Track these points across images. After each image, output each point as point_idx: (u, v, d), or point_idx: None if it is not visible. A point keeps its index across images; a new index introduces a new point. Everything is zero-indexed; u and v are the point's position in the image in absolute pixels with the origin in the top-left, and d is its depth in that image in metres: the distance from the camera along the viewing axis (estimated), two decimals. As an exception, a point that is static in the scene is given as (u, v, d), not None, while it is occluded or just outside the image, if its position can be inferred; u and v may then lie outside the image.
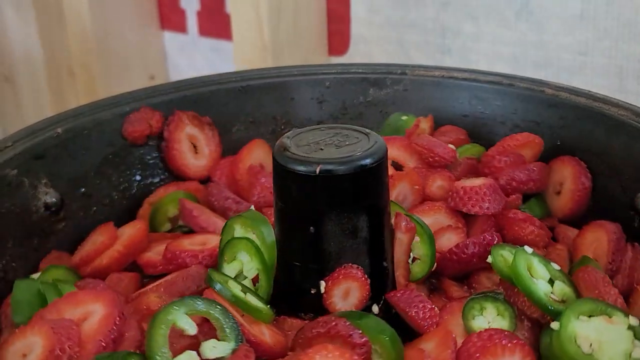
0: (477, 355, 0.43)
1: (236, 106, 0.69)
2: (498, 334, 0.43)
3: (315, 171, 0.47)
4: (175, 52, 1.19)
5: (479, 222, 0.56)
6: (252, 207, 0.56)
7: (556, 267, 0.49)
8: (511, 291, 0.48)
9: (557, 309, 0.46)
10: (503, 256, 0.49)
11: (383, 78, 0.70)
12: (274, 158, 0.49)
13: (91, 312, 0.45)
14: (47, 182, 0.60)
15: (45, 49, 1.18)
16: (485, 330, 0.44)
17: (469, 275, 0.53)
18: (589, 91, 0.63)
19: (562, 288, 0.48)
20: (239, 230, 0.52)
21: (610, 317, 0.45)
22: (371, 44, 0.97)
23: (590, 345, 0.44)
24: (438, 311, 0.47)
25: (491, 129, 0.66)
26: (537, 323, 0.47)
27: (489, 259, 0.49)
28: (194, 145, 0.67)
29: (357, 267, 0.48)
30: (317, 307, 0.48)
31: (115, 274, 0.55)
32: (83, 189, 0.62)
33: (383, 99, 0.70)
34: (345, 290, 0.48)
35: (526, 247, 0.49)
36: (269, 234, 0.51)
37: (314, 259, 0.49)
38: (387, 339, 0.44)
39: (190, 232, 0.61)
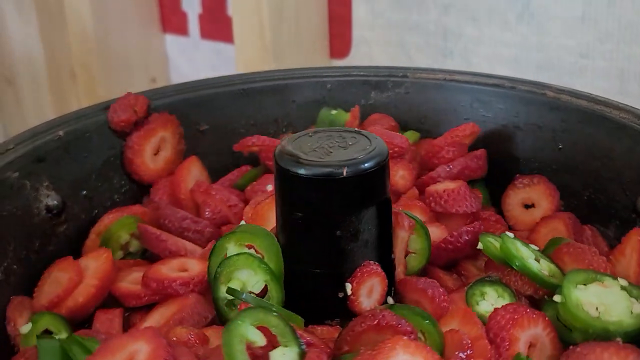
0: (509, 326, 0.45)
1: (238, 109, 0.69)
2: (522, 307, 0.46)
3: (343, 173, 0.47)
4: (176, 54, 1.19)
5: (455, 218, 0.58)
6: (243, 222, 0.55)
7: (535, 247, 0.53)
8: (503, 273, 0.51)
9: (552, 282, 0.49)
10: (491, 242, 0.52)
11: (384, 81, 0.70)
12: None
13: (137, 351, 0.42)
14: (48, 184, 0.60)
15: (46, 50, 1.18)
16: (509, 304, 0.47)
17: (456, 264, 0.56)
18: (591, 94, 0.63)
19: (548, 264, 0.51)
20: (232, 249, 0.50)
21: (602, 282, 0.49)
22: (373, 47, 0.97)
23: (597, 309, 0.47)
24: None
25: (493, 132, 0.66)
26: (531, 299, 0.51)
27: (479, 246, 0.52)
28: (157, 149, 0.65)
29: (374, 263, 0.49)
30: (342, 311, 0.48)
31: (102, 313, 0.52)
32: (84, 192, 0.62)
33: (384, 102, 0.70)
34: (370, 288, 0.49)
35: (508, 233, 0.53)
36: (273, 243, 0.50)
37: (339, 263, 0.49)
38: (429, 323, 0.46)
39: (149, 257, 0.59)
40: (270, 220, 0.53)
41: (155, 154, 0.65)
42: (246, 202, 0.62)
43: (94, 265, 0.54)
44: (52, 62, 1.19)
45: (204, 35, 1.14)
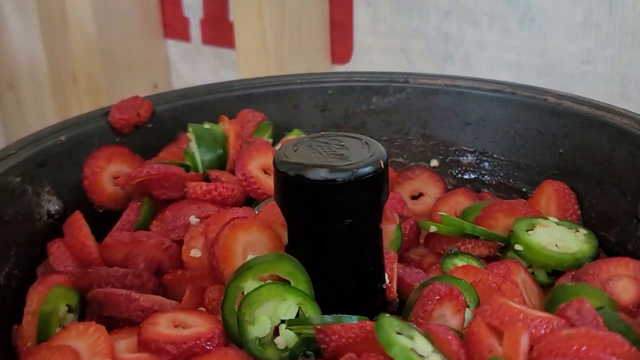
0: (510, 275, 0.52)
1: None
2: (505, 262, 0.54)
3: (317, 178, 0.47)
4: (178, 60, 1.19)
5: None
6: (250, 256, 0.50)
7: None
8: (459, 244, 0.58)
9: (505, 237, 0.57)
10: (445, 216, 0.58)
11: (386, 86, 0.70)
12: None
13: None
14: (50, 189, 0.60)
15: (48, 55, 1.19)
16: (494, 262, 0.54)
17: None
18: (592, 99, 0.63)
19: (479, 228, 0.58)
20: (250, 284, 0.47)
21: (542, 224, 0.56)
22: (374, 52, 0.97)
23: (556, 245, 0.55)
24: None
25: (493, 138, 0.66)
26: (488, 259, 0.57)
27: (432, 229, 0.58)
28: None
29: (386, 250, 0.52)
30: (384, 300, 0.51)
31: None
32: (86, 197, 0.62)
33: (386, 107, 0.70)
34: (393, 273, 0.51)
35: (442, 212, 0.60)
36: (296, 264, 0.48)
37: (379, 256, 0.51)
38: (464, 282, 0.50)
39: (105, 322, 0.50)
40: (239, 252, 0.51)
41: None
42: (179, 242, 0.57)
43: (89, 346, 0.46)
44: (54, 67, 1.19)
45: (205, 40, 1.14)
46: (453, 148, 0.69)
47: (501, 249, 0.58)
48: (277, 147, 0.64)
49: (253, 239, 0.52)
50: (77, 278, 0.53)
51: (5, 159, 0.57)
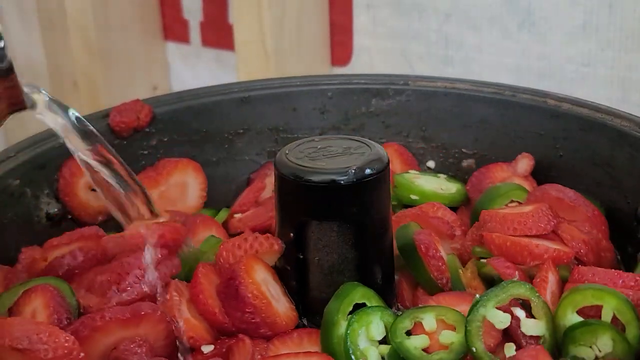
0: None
1: (238, 116, 0.69)
2: None
3: (315, 180, 0.47)
4: (178, 62, 1.19)
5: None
6: (272, 290, 0.51)
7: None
8: None
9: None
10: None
11: (385, 89, 0.70)
12: (275, 167, 0.49)
13: None
14: (49, 192, 0.60)
15: (48, 58, 1.19)
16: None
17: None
18: (592, 102, 0.62)
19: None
20: (343, 324, 0.48)
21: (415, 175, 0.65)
22: (374, 55, 0.97)
23: (441, 189, 0.64)
24: None
25: (494, 140, 0.66)
26: None
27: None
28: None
29: None
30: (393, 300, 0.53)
31: None
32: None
33: (385, 110, 0.70)
34: None
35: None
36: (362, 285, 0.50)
37: (386, 257, 0.53)
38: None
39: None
40: (267, 291, 0.50)
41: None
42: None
43: None
44: (54, 69, 1.19)
45: (205, 43, 1.14)
46: (453, 150, 0.68)
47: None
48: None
49: (263, 275, 0.51)
50: None
51: (4, 162, 0.57)
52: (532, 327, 0.46)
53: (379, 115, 0.70)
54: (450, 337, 0.46)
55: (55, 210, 0.59)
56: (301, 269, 0.51)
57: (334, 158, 0.49)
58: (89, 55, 1.11)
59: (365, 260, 0.50)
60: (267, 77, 0.77)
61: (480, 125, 0.67)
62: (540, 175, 0.64)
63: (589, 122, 0.61)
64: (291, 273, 0.51)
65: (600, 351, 0.44)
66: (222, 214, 0.65)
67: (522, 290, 0.46)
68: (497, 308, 0.46)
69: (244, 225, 0.61)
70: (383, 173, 0.49)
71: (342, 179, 0.47)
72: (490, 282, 0.52)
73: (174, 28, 1.17)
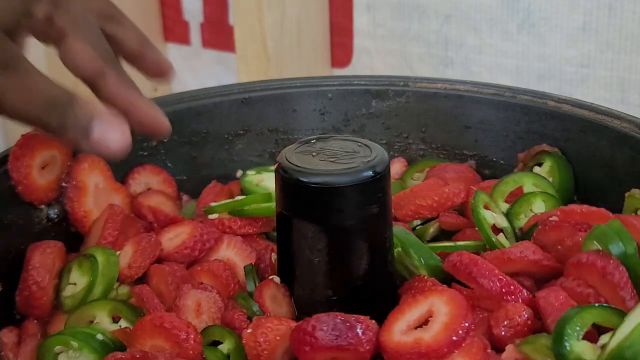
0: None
1: (239, 118, 0.69)
2: None
3: (314, 182, 0.47)
4: (178, 63, 1.19)
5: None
6: None
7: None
8: None
9: None
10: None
11: (385, 90, 0.70)
12: (276, 168, 0.49)
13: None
14: (49, 193, 0.59)
15: (48, 60, 1.19)
16: None
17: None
18: (592, 103, 0.63)
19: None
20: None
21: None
22: (374, 56, 0.97)
23: None
24: None
25: (493, 142, 0.66)
26: None
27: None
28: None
29: None
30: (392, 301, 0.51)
31: None
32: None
33: (385, 111, 0.70)
34: None
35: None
36: None
37: (387, 258, 0.52)
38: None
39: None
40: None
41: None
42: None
43: None
44: (54, 71, 1.19)
45: (205, 44, 1.14)
46: (453, 152, 0.68)
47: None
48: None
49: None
50: None
51: (4, 163, 0.57)
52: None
53: (379, 117, 0.70)
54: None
55: (56, 211, 0.59)
56: (308, 270, 0.51)
57: (335, 159, 0.49)
58: (89, 56, 1.11)
59: (361, 260, 0.50)
60: (267, 78, 0.77)
61: (480, 126, 0.67)
62: (540, 176, 0.64)
63: (589, 124, 0.61)
64: (298, 274, 0.51)
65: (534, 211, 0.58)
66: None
67: None
68: None
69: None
70: (384, 174, 0.49)
71: (343, 180, 0.47)
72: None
73: (174, 29, 1.17)
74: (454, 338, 0.43)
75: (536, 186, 0.61)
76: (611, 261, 0.46)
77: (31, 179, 0.56)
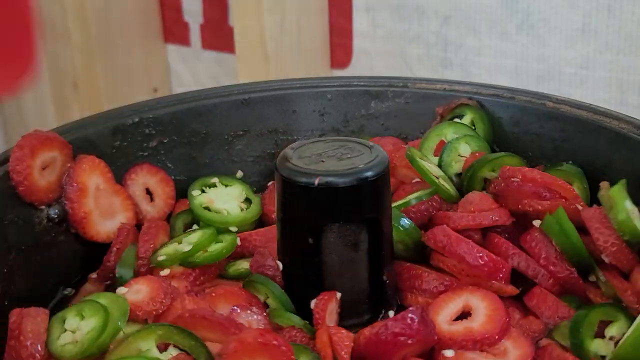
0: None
1: (238, 118, 0.69)
2: None
3: (314, 183, 0.47)
4: (178, 64, 1.19)
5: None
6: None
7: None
8: None
9: None
10: None
11: (384, 91, 0.70)
12: (276, 169, 0.49)
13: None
14: (50, 193, 0.60)
15: (49, 61, 1.19)
16: None
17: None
18: (590, 104, 0.63)
19: None
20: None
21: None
22: (373, 57, 0.97)
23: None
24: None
25: (493, 142, 0.67)
26: None
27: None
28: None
29: None
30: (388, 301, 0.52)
31: None
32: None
33: (385, 112, 0.70)
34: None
35: None
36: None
37: (387, 258, 0.52)
38: None
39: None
40: None
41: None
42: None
43: None
44: (54, 72, 1.19)
45: (205, 45, 1.14)
46: (452, 153, 0.69)
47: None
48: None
49: None
50: None
51: (5, 163, 0.57)
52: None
53: (378, 118, 0.70)
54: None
55: (56, 211, 0.59)
56: (314, 271, 0.51)
57: (334, 160, 0.49)
58: (89, 57, 1.12)
59: (361, 261, 0.50)
60: (267, 79, 0.78)
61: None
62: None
63: (587, 125, 0.61)
64: (307, 276, 0.51)
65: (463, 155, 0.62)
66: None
67: None
68: None
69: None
70: (383, 175, 0.49)
71: (343, 180, 0.47)
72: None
73: (174, 30, 1.17)
74: (502, 327, 0.45)
75: (456, 134, 0.64)
76: None
77: (32, 180, 0.56)
